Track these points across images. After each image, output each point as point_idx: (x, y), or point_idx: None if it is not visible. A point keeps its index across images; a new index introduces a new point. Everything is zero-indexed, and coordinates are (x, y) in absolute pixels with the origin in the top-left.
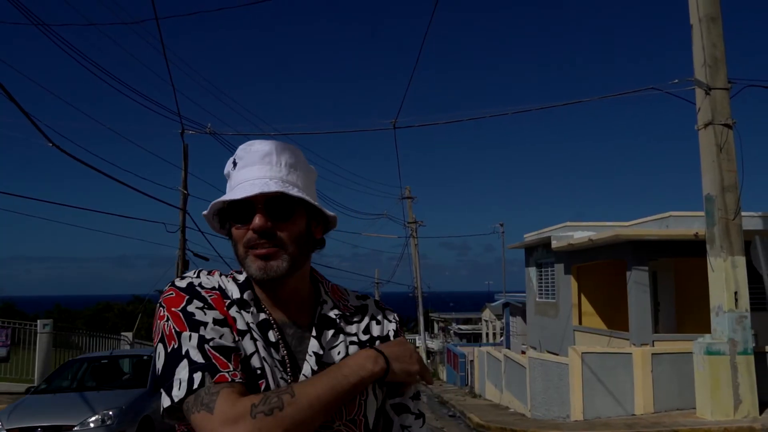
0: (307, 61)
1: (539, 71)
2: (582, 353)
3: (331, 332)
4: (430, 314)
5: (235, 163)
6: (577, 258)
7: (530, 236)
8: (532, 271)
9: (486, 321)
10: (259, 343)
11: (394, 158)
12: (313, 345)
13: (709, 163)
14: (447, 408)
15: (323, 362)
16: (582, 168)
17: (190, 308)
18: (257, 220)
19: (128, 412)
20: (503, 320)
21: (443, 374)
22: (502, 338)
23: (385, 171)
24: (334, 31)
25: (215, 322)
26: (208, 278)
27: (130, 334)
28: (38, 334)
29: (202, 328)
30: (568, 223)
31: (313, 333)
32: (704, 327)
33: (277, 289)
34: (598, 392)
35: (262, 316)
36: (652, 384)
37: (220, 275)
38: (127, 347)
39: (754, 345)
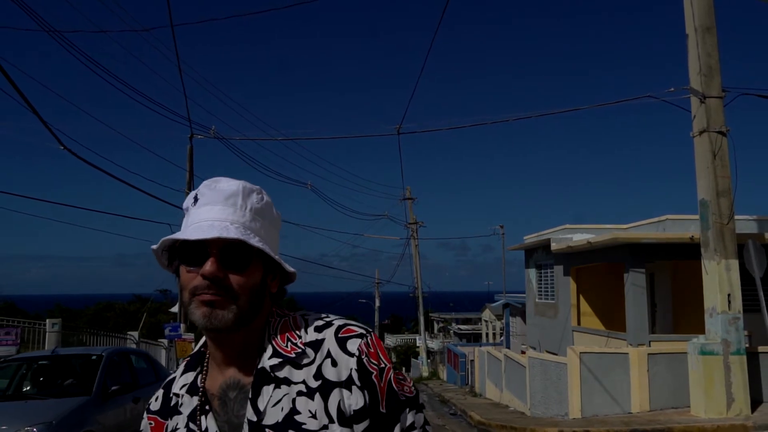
0: (313, 68)
1: (539, 79)
2: (580, 353)
3: (271, 387)
4: (430, 314)
5: (196, 199)
6: (576, 260)
7: (530, 238)
8: (532, 273)
9: (486, 321)
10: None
11: (395, 159)
12: (249, 410)
13: (703, 169)
14: (448, 407)
15: (262, 427)
16: (581, 172)
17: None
18: (209, 265)
19: (61, 427)
20: (503, 320)
21: (443, 374)
22: (501, 338)
23: (387, 172)
24: (341, 39)
25: None
26: (159, 392)
27: (136, 334)
28: (47, 333)
29: None
30: (567, 226)
31: (249, 394)
32: (700, 328)
33: (223, 344)
34: (596, 391)
35: (195, 401)
36: (648, 383)
37: (186, 363)
38: (134, 347)
39: (747, 345)
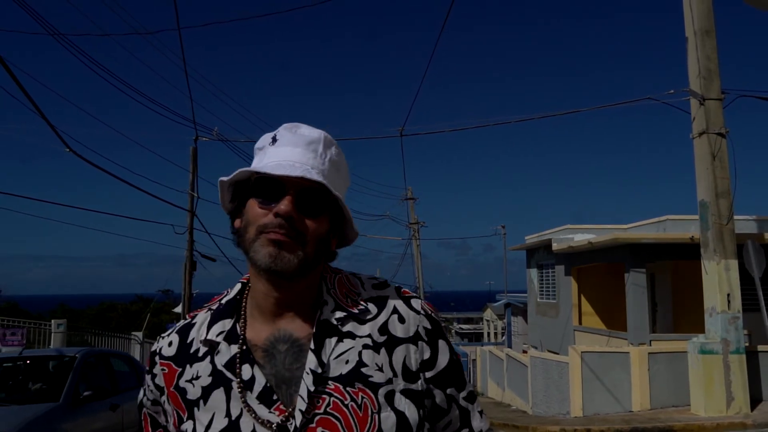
0: (315, 69)
1: (541, 80)
2: (581, 352)
3: (334, 340)
4: None
5: (274, 140)
6: (577, 260)
7: (531, 238)
8: (533, 273)
9: (487, 321)
10: (234, 384)
11: (397, 160)
12: (311, 361)
13: (703, 171)
14: None
15: (325, 378)
16: (582, 173)
17: (146, 378)
18: (285, 204)
19: None
20: (504, 320)
21: None
22: (503, 338)
23: (389, 172)
24: (344, 40)
25: (147, 402)
26: (174, 337)
27: (140, 334)
28: (52, 334)
29: (145, 399)
30: (568, 226)
31: (312, 345)
32: (700, 327)
33: (280, 291)
34: (597, 390)
35: (235, 349)
36: (649, 382)
37: (207, 310)
38: (138, 347)
39: (747, 344)
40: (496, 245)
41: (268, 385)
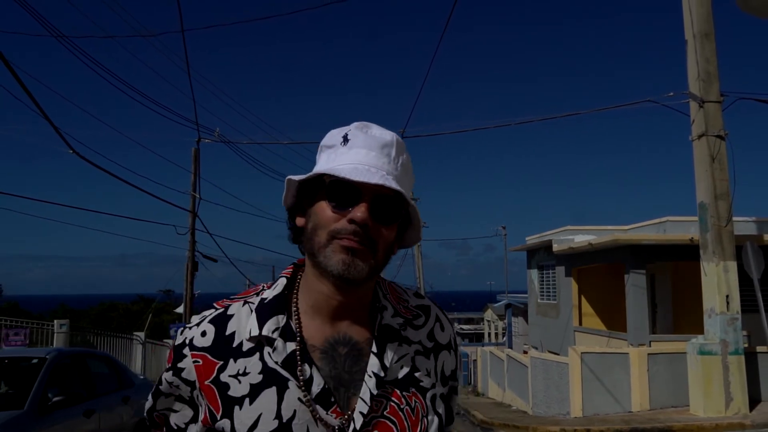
0: (317, 70)
1: (542, 81)
2: (581, 353)
3: (395, 345)
4: None
5: (346, 139)
6: (577, 261)
7: (532, 239)
8: (534, 273)
9: (488, 321)
10: (291, 383)
11: None
12: (373, 364)
13: (702, 173)
14: None
15: (385, 382)
16: (583, 173)
17: (165, 375)
18: (362, 211)
19: None
20: (505, 320)
21: None
22: (504, 338)
23: None
24: (345, 41)
25: (169, 400)
26: (207, 326)
27: (142, 334)
28: (55, 334)
29: (160, 401)
30: (569, 227)
31: (374, 349)
32: (700, 328)
33: (345, 296)
34: (597, 390)
35: (291, 347)
36: (648, 382)
37: (243, 303)
38: (140, 348)
39: (746, 345)
40: (496, 246)
41: (327, 386)
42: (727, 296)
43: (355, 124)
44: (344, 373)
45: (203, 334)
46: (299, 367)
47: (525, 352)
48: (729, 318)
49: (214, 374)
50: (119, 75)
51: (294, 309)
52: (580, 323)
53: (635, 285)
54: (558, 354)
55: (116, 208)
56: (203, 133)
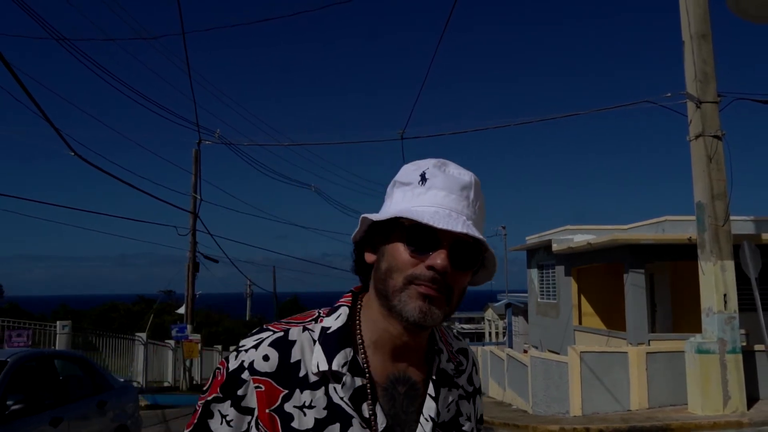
0: (317, 71)
1: (542, 81)
2: (581, 352)
3: (446, 389)
4: None
5: (423, 179)
6: (577, 260)
7: (532, 239)
8: (534, 273)
9: (488, 320)
10: (355, 420)
11: (399, 161)
12: (430, 407)
13: (699, 173)
14: None
15: (439, 424)
16: (583, 173)
17: (215, 407)
18: (442, 259)
19: None
20: (505, 320)
21: None
22: (504, 337)
23: (390, 172)
24: (345, 42)
25: None
26: (268, 350)
27: (143, 335)
28: (58, 335)
29: None
30: (568, 227)
31: (431, 392)
32: (699, 327)
33: (413, 338)
34: (596, 389)
35: (359, 382)
36: (647, 381)
37: (303, 329)
38: (141, 348)
39: (744, 344)
40: (497, 245)
41: (389, 425)
42: (725, 295)
43: (433, 161)
44: (401, 413)
45: (265, 358)
46: (369, 406)
47: (525, 352)
48: (726, 317)
49: (278, 403)
50: (120, 77)
51: (359, 342)
52: (580, 322)
53: (634, 284)
54: (558, 353)
55: (117, 208)
56: (204, 134)
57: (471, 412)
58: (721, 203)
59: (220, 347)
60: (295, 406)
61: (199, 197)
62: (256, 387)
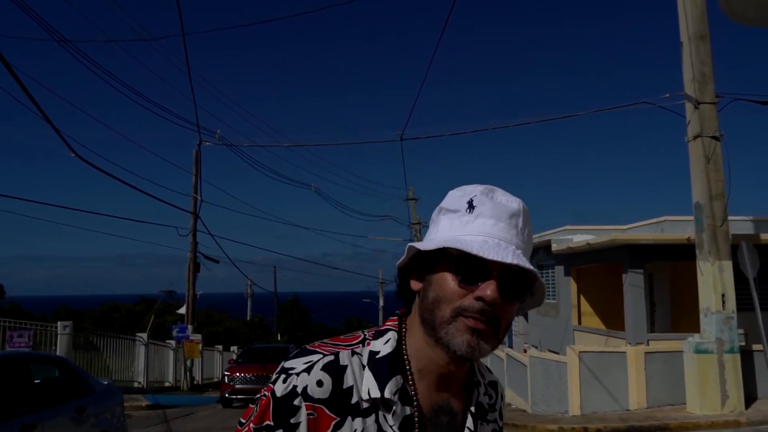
0: (317, 71)
1: (541, 81)
2: (579, 352)
3: (481, 422)
4: None
5: (471, 206)
6: (576, 261)
7: None
8: None
9: None
10: None
11: (398, 160)
12: None
13: (698, 173)
14: None
15: None
16: (581, 174)
17: None
18: (492, 290)
19: None
20: None
21: None
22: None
23: (390, 172)
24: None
25: None
26: (322, 375)
27: (144, 335)
28: (59, 336)
29: None
30: (568, 227)
31: (470, 424)
32: (699, 327)
33: (455, 369)
34: (595, 389)
35: (408, 411)
36: (646, 381)
37: (352, 353)
38: (143, 348)
39: (743, 344)
40: None
41: None
42: (723, 295)
43: (480, 188)
44: None
45: (319, 383)
46: None
47: (525, 351)
48: (724, 317)
49: (330, 430)
50: (121, 78)
51: (407, 369)
52: (580, 322)
53: (633, 284)
54: (558, 353)
55: (118, 209)
56: (205, 135)
57: None
58: (719, 204)
59: (220, 347)
60: None
61: (199, 198)
62: (309, 414)
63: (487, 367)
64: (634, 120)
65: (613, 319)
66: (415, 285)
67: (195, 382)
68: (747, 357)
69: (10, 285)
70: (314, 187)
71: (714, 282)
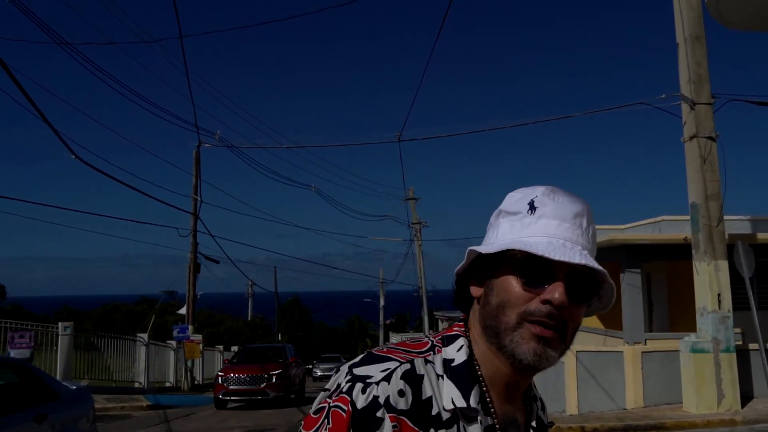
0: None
1: (538, 81)
2: (576, 352)
3: None
4: (435, 313)
5: (532, 207)
6: None
7: None
8: None
9: None
10: None
11: (398, 160)
12: None
13: (694, 174)
14: None
15: None
16: (579, 173)
17: None
18: (559, 292)
19: None
20: None
21: None
22: None
23: (390, 172)
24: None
25: None
26: (402, 385)
27: (145, 336)
28: (60, 336)
29: None
30: None
31: None
32: (695, 326)
33: (522, 378)
34: (592, 388)
35: (489, 421)
36: (642, 380)
37: (425, 362)
38: (143, 349)
39: (740, 343)
40: None
41: None
42: (719, 295)
43: (541, 189)
44: None
45: (401, 393)
46: None
47: None
48: (720, 316)
49: None
50: (121, 80)
51: (482, 380)
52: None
53: (631, 284)
54: None
55: (119, 210)
56: (205, 136)
57: None
58: (715, 204)
59: (221, 347)
60: None
61: (199, 199)
62: (393, 426)
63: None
64: (631, 120)
65: (610, 318)
66: (476, 291)
67: (196, 383)
68: (744, 356)
69: (13, 286)
70: (314, 188)
71: (710, 282)
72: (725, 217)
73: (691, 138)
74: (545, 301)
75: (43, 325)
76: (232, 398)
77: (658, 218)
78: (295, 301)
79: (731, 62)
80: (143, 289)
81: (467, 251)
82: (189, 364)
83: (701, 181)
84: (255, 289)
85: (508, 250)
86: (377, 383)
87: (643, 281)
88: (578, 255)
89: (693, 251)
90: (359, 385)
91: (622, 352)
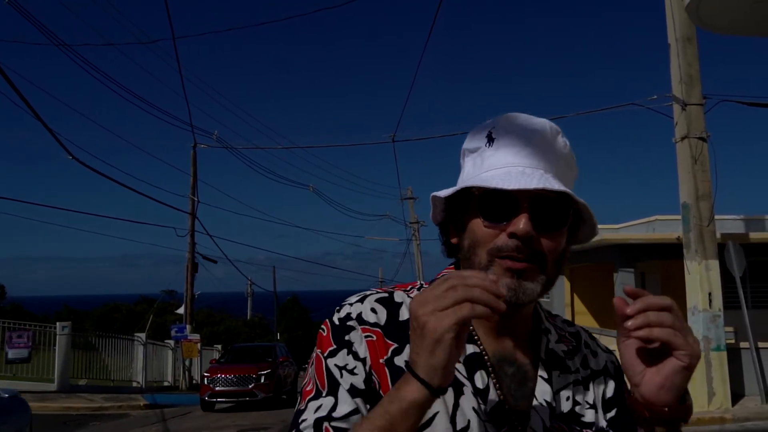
0: (312, 72)
1: (535, 81)
2: None
3: (558, 373)
4: None
5: (490, 138)
6: (569, 260)
7: None
8: None
9: None
10: (467, 389)
11: (391, 161)
12: (544, 391)
13: (685, 174)
14: None
15: (557, 415)
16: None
17: (331, 362)
18: (523, 223)
19: None
20: None
21: None
22: None
23: (388, 172)
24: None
25: (353, 390)
26: (375, 304)
27: (143, 335)
28: (57, 336)
29: (333, 396)
30: None
31: (542, 373)
32: None
33: (508, 317)
34: None
35: (471, 349)
36: None
37: (407, 295)
38: (141, 348)
39: (732, 341)
40: None
41: (501, 399)
42: (710, 294)
43: (501, 118)
44: (509, 396)
45: (373, 310)
46: (479, 375)
47: None
48: (711, 315)
49: (389, 355)
50: (119, 81)
51: None
52: (573, 321)
53: (623, 283)
54: None
55: (118, 210)
56: (202, 136)
57: (591, 400)
58: (706, 204)
59: (220, 347)
60: (406, 361)
61: (196, 199)
62: (366, 336)
63: (568, 320)
64: (623, 121)
65: (606, 318)
66: (454, 238)
67: (194, 382)
68: (735, 355)
69: (13, 286)
70: (312, 187)
71: (701, 281)
72: (716, 217)
73: (683, 138)
74: (511, 235)
75: (41, 325)
76: (219, 400)
77: (652, 218)
78: (294, 301)
79: (722, 63)
80: (143, 288)
81: (431, 197)
82: (187, 363)
83: (692, 182)
84: (254, 289)
85: (470, 190)
86: (351, 304)
87: (636, 281)
88: (536, 179)
89: (684, 251)
90: (337, 308)
91: (614, 351)
